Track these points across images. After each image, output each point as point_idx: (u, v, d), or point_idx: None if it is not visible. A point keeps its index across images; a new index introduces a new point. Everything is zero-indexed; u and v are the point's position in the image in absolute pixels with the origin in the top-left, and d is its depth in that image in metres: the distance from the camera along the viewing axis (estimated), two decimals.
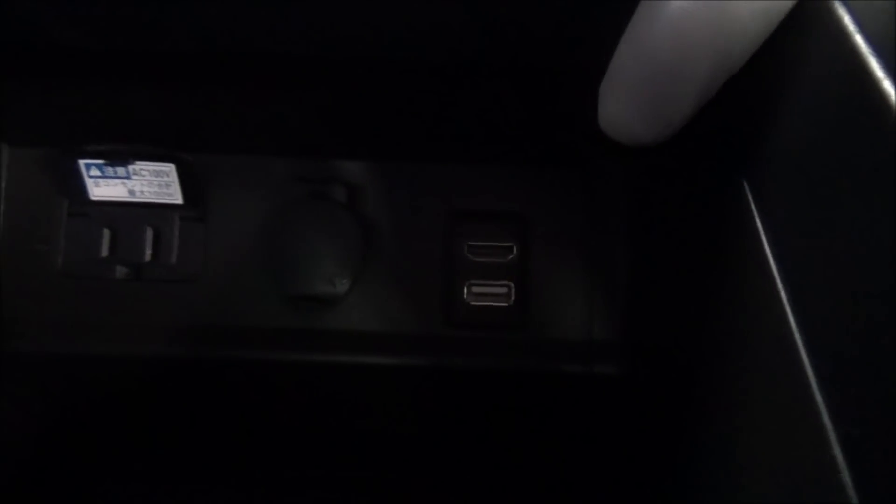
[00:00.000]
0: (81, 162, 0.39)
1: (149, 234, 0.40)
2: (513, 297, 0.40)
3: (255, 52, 0.32)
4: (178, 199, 0.40)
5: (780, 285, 0.22)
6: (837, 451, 0.18)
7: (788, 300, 0.21)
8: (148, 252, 0.40)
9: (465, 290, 0.40)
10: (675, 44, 0.21)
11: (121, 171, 0.39)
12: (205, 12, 0.29)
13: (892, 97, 0.17)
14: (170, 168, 0.39)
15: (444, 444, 0.46)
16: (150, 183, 0.40)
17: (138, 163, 0.39)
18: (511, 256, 0.40)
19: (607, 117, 0.25)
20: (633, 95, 0.23)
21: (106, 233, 0.40)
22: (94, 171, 0.39)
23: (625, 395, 0.40)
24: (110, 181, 0.39)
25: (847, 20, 0.19)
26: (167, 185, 0.40)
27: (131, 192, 0.40)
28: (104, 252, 0.40)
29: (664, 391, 0.34)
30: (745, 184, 0.25)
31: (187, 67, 0.34)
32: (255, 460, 0.46)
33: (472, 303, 0.40)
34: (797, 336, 0.21)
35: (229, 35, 0.31)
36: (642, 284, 0.39)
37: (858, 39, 0.19)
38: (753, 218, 0.24)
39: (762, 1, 0.20)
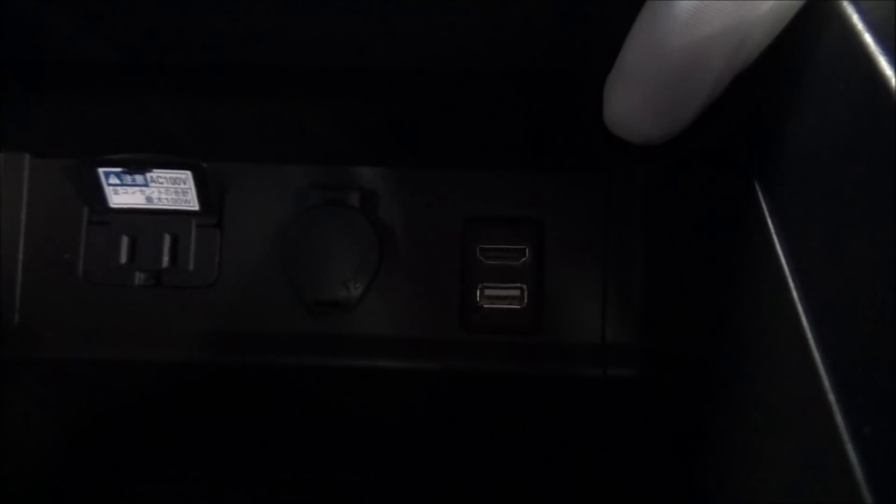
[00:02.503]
0: (101, 170, 0.40)
1: (167, 240, 0.41)
2: (525, 300, 0.40)
3: (270, 63, 0.32)
4: (194, 205, 0.41)
5: (792, 285, 0.22)
6: (850, 450, 0.18)
7: (801, 299, 0.21)
8: (166, 259, 0.41)
9: (478, 293, 0.41)
10: (687, 40, 0.21)
11: (139, 178, 0.40)
12: (221, 25, 0.30)
13: None
14: (186, 175, 0.40)
15: (458, 446, 0.46)
16: (168, 190, 0.40)
17: (155, 170, 0.40)
18: (524, 259, 0.41)
19: (613, 113, 0.25)
20: (642, 91, 0.23)
21: (125, 240, 0.41)
22: (113, 180, 0.40)
23: (639, 397, 0.40)
24: (129, 189, 0.40)
25: (856, 19, 0.20)
26: (184, 193, 0.40)
27: (149, 200, 0.41)
28: (123, 259, 0.41)
29: (678, 393, 0.34)
30: (757, 184, 0.25)
31: (203, 78, 0.35)
32: (273, 463, 0.46)
33: (485, 305, 0.40)
34: (810, 336, 0.21)
35: (245, 46, 0.31)
36: (656, 286, 0.39)
37: (867, 38, 0.19)
38: (765, 218, 0.24)
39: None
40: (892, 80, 0.18)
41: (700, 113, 0.24)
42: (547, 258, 0.41)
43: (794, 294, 0.22)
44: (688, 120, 0.24)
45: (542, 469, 0.46)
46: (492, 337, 0.41)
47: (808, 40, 0.21)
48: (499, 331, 0.41)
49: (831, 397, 0.19)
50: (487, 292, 0.40)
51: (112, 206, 0.41)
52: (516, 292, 0.40)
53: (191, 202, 0.40)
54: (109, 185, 0.40)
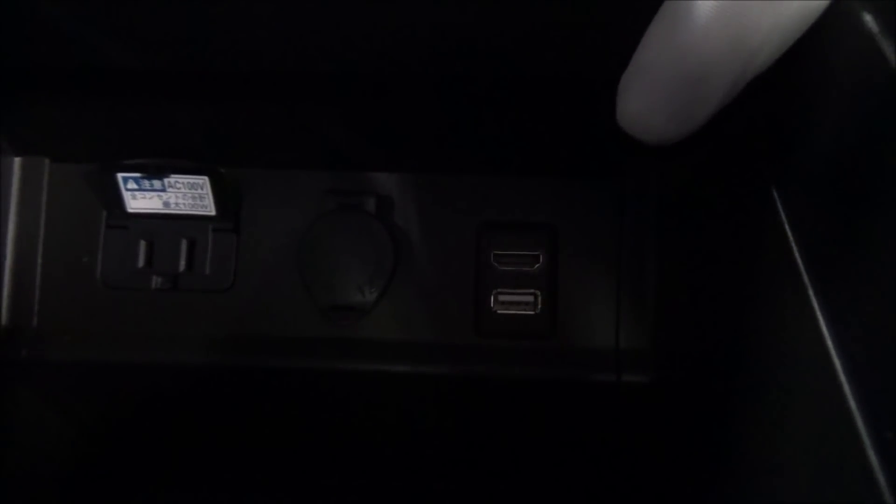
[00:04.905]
0: (119, 175, 0.40)
1: (184, 245, 0.41)
2: (539, 306, 0.40)
3: (287, 69, 0.33)
4: (211, 210, 0.41)
5: (810, 290, 0.22)
6: (872, 455, 0.18)
7: (819, 305, 0.21)
8: (183, 263, 0.41)
9: (492, 299, 0.41)
10: (706, 40, 0.21)
11: (157, 183, 0.40)
12: (238, 32, 0.30)
13: None
14: (203, 180, 0.40)
15: (471, 451, 0.46)
16: (185, 195, 0.41)
17: (173, 176, 0.40)
18: (538, 265, 0.41)
19: (627, 112, 0.25)
20: (657, 90, 0.23)
21: (142, 244, 0.41)
22: (132, 185, 0.40)
23: (653, 403, 0.40)
24: (147, 194, 0.41)
25: (875, 26, 0.20)
26: (201, 198, 0.41)
27: (166, 204, 0.41)
28: (141, 263, 0.41)
29: (693, 399, 0.34)
30: (774, 190, 0.25)
31: (221, 84, 0.35)
32: (288, 467, 0.46)
33: (499, 311, 0.41)
34: (829, 341, 0.21)
35: (262, 53, 0.32)
36: (670, 292, 0.39)
37: (886, 45, 0.19)
38: (783, 224, 0.24)
39: (794, 1, 0.20)
40: None
41: (716, 114, 0.24)
42: (561, 264, 0.41)
43: (813, 300, 0.22)
44: (703, 120, 0.24)
45: (555, 474, 0.46)
46: (505, 342, 0.41)
47: (828, 45, 0.21)
48: (512, 336, 0.41)
49: (852, 403, 0.19)
50: (501, 298, 0.41)
51: (130, 210, 0.41)
52: (530, 298, 0.41)
53: (208, 207, 0.41)
54: (127, 189, 0.40)
